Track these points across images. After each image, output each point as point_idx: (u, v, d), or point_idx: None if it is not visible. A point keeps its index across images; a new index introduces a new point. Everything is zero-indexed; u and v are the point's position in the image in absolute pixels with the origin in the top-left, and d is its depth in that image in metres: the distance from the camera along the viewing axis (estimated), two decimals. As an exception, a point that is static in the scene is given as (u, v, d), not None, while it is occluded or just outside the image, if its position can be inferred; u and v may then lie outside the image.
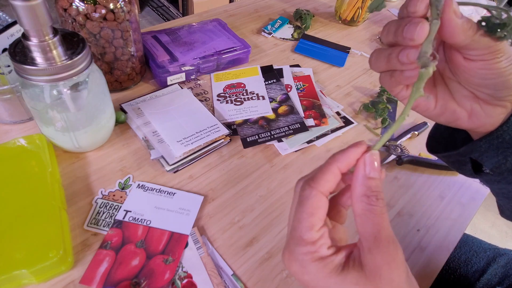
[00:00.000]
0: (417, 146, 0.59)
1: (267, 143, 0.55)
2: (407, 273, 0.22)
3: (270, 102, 0.61)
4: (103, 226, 0.42)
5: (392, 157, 0.55)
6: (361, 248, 0.23)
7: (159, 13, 2.33)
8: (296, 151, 0.55)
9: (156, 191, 0.47)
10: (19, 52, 0.39)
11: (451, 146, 0.32)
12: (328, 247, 0.23)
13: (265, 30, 0.80)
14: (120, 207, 0.44)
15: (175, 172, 0.50)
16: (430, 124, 0.63)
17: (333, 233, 0.26)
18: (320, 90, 0.66)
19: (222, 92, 0.63)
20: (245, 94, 0.63)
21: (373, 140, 0.59)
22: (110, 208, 0.44)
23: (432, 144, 0.36)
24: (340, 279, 0.22)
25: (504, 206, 0.37)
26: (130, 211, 0.44)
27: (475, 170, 0.33)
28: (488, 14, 0.24)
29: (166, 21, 1.79)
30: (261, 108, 0.60)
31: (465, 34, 0.24)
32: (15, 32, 0.52)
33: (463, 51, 0.26)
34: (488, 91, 0.27)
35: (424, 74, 0.24)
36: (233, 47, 0.68)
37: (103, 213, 0.43)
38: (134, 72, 0.60)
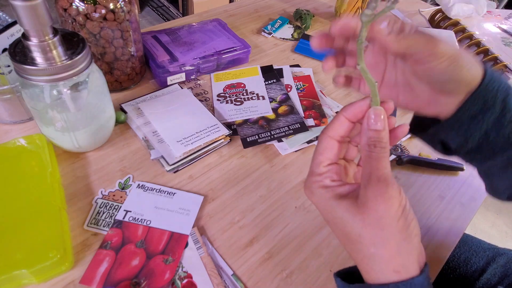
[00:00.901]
0: (417, 146, 0.59)
1: (267, 143, 0.55)
2: (398, 210, 0.25)
3: (270, 102, 0.61)
4: (103, 226, 0.42)
5: (392, 157, 0.55)
6: (360, 186, 0.27)
7: (159, 13, 2.33)
8: (296, 151, 0.55)
9: (156, 191, 0.47)
10: (19, 52, 0.39)
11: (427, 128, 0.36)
12: (332, 180, 0.28)
13: (265, 30, 0.80)
14: (120, 207, 0.44)
15: (175, 172, 0.50)
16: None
17: (347, 168, 0.31)
18: (320, 90, 0.66)
19: (222, 92, 0.63)
20: (245, 94, 0.63)
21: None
22: (110, 208, 0.44)
23: (413, 126, 0.39)
24: (336, 203, 0.27)
25: (486, 184, 0.39)
26: (130, 211, 0.44)
27: (446, 150, 0.36)
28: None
29: (166, 21, 1.79)
30: (261, 108, 0.60)
31: (399, 43, 0.28)
32: (15, 32, 0.52)
33: (412, 57, 0.29)
34: (438, 86, 0.30)
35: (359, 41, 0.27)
36: (233, 47, 0.68)
37: (103, 213, 0.43)
38: (134, 72, 0.60)
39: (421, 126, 0.36)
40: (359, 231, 0.26)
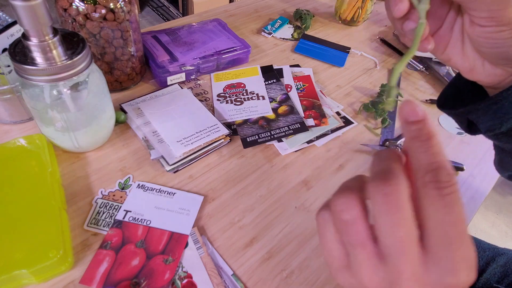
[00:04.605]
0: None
1: (267, 143, 0.55)
2: None
3: (270, 102, 0.61)
4: (103, 226, 0.42)
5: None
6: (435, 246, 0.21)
7: (159, 13, 2.34)
8: (296, 151, 0.55)
9: (156, 191, 0.47)
10: (19, 52, 0.38)
11: (459, 103, 0.34)
12: None
13: (265, 30, 0.80)
14: (120, 207, 0.44)
15: (175, 172, 0.50)
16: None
17: None
18: (320, 90, 0.66)
19: (222, 92, 0.63)
20: (245, 94, 0.63)
21: (373, 140, 0.59)
22: (110, 208, 0.44)
23: (441, 101, 0.36)
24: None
25: (496, 156, 0.38)
26: (130, 211, 0.44)
27: (471, 127, 0.34)
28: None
29: (166, 21, 1.79)
30: (261, 108, 0.60)
31: None
32: (15, 32, 0.52)
33: (469, 11, 0.26)
34: (488, 57, 0.28)
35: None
36: (233, 47, 0.68)
37: (103, 213, 0.43)
38: (134, 72, 0.60)
39: (450, 101, 0.34)
40: None
